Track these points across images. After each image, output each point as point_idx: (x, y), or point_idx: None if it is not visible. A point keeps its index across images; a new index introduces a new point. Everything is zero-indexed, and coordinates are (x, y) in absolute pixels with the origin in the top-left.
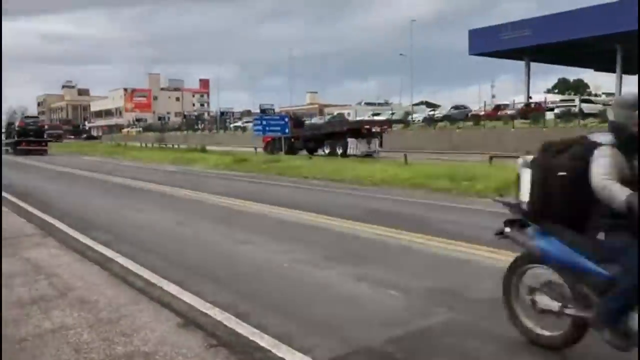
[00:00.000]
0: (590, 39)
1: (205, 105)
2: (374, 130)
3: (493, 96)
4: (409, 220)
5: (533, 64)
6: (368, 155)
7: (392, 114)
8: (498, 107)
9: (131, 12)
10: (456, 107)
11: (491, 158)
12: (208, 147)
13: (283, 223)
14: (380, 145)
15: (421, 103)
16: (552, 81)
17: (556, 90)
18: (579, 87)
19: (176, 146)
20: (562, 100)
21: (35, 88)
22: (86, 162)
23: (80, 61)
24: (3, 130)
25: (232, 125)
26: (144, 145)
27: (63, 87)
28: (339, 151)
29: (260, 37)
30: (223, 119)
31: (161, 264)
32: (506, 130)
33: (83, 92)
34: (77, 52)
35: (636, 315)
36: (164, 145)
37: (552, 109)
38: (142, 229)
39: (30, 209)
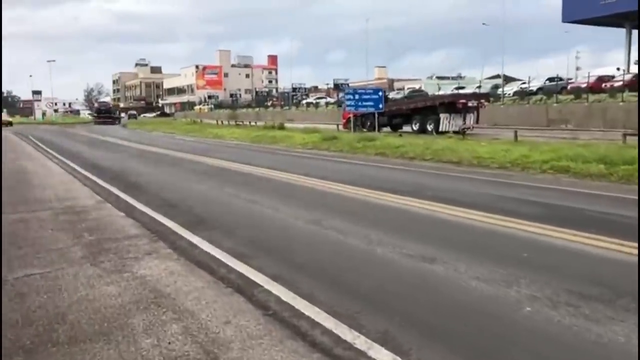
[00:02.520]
0: None
1: (274, 81)
2: (470, 104)
3: (577, 68)
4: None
5: (612, 33)
6: (461, 132)
7: (479, 87)
8: (602, 79)
9: None
10: (551, 79)
11: (625, 136)
12: (284, 124)
13: (461, 228)
14: (477, 121)
15: (497, 76)
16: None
17: None
18: None
19: (250, 123)
20: None
21: (110, 66)
22: (168, 140)
23: (152, 40)
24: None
25: (304, 102)
26: (220, 122)
27: (136, 65)
28: (430, 127)
29: (322, 12)
30: (294, 96)
31: (345, 300)
32: (613, 104)
33: (155, 70)
34: (148, 31)
35: None
36: (240, 123)
37: None
38: (273, 231)
39: (127, 198)
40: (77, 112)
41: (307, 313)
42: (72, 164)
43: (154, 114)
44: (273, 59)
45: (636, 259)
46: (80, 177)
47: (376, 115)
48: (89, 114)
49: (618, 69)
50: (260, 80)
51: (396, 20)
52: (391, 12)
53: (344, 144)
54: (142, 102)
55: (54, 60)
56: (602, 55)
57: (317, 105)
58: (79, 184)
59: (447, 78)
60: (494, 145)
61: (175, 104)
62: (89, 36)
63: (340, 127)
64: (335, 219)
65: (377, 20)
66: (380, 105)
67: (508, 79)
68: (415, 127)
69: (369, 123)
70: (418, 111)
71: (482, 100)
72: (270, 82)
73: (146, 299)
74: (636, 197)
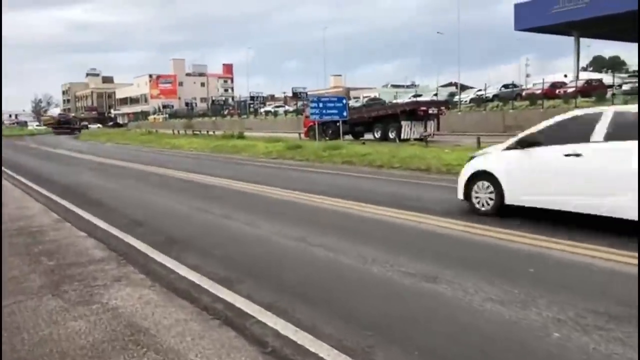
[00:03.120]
0: None
1: (230, 90)
2: (431, 111)
3: (527, 75)
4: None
5: (556, 42)
6: (423, 139)
7: (436, 94)
8: (555, 85)
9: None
10: (506, 86)
11: None
12: (244, 134)
13: (456, 242)
14: (438, 128)
15: (450, 84)
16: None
17: (591, 69)
18: (615, 65)
19: (208, 132)
20: (630, 76)
21: (60, 77)
22: (124, 151)
23: (103, 49)
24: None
25: (262, 110)
26: (176, 132)
27: (87, 75)
28: (392, 135)
29: (277, 21)
30: (250, 105)
31: (352, 331)
32: (568, 110)
33: (107, 80)
34: (100, 40)
35: None
36: (198, 132)
37: (620, 86)
38: (257, 250)
39: (88, 216)
40: (25, 124)
41: (313, 349)
42: (23, 179)
43: (104, 125)
44: (228, 68)
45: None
46: (33, 193)
47: (340, 123)
48: (37, 125)
49: (565, 75)
50: (215, 88)
51: (351, 30)
52: (345, 22)
53: (310, 153)
54: (94, 112)
55: None
56: (550, 62)
57: (275, 113)
58: (32, 201)
59: (402, 86)
60: (459, 152)
61: (128, 114)
62: (38, 45)
63: (302, 135)
64: (321, 235)
65: (332, 30)
66: (345, 113)
67: (462, 87)
68: (377, 135)
69: (330, 131)
70: (380, 119)
71: (442, 108)
72: (226, 90)
73: (122, 337)
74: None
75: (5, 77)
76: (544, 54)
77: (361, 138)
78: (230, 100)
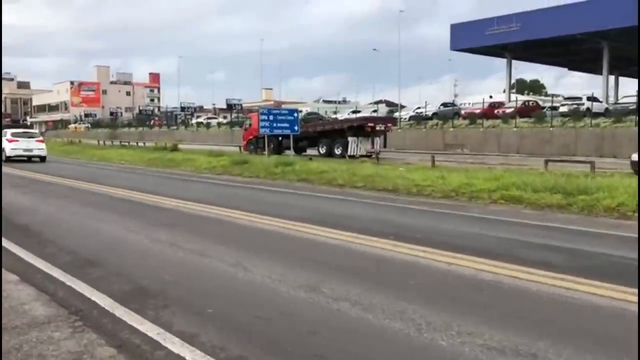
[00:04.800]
0: (578, 35)
1: (156, 100)
2: (378, 128)
3: (455, 95)
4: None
5: (477, 64)
6: (374, 156)
7: (375, 111)
8: (493, 105)
9: (76, 3)
10: (445, 105)
11: (547, 162)
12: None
13: (468, 282)
14: (384, 145)
15: (380, 102)
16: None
17: (513, 90)
18: (535, 88)
19: (137, 144)
20: (568, 98)
21: None
22: (45, 163)
23: (18, 53)
24: None
25: (194, 122)
26: (101, 143)
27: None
28: (338, 151)
29: (201, 32)
30: (178, 115)
31: None
32: (507, 130)
33: (23, 85)
34: (14, 44)
35: None
36: (126, 143)
37: (555, 108)
38: (265, 307)
39: (17, 250)
40: None
41: None
42: None
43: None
44: (155, 77)
45: None
46: None
47: (282, 138)
48: None
49: (491, 96)
50: (142, 98)
51: (279, 44)
52: (271, 35)
53: (259, 169)
54: (8, 119)
55: None
56: (470, 83)
57: (208, 125)
58: None
59: (334, 102)
60: (424, 171)
61: (46, 122)
62: None
63: (240, 148)
64: (335, 281)
65: (258, 43)
66: (296, 127)
67: (390, 104)
68: (322, 150)
69: (271, 145)
70: (325, 134)
71: (389, 124)
72: (152, 100)
73: None
74: (633, 235)
75: None
76: (465, 75)
77: (304, 153)
78: (156, 110)
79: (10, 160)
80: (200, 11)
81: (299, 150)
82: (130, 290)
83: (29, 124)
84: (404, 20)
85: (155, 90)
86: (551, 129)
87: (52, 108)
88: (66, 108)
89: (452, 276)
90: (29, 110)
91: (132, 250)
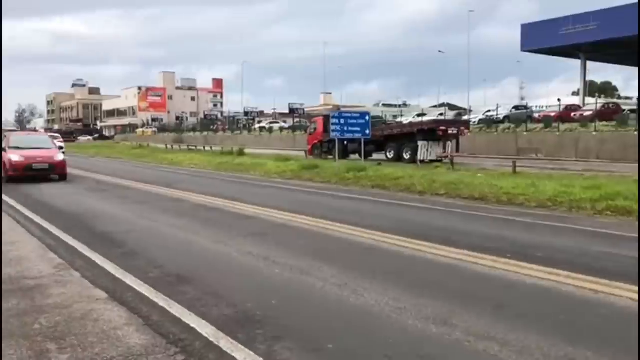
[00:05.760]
0: None
1: (219, 105)
2: (450, 132)
3: (522, 98)
4: None
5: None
6: (439, 160)
7: (441, 114)
8: (569, 108)
9: (142, 12)
10: (517, 107)
11: None
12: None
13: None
14: (457, 149)
15: (442, 105)
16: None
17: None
18: (607, 90)
19: (205, 148)
20: None
21: (46, 88)
22: (118, 167)
23: (91, 61)
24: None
25: (257, 126)
26: (169, 147)
27: (73, 85)
28: (406, 156)
29: (261, 39)
30: (239, 120)
31: None
32: (586, 134)
33: (94, 91)
34: (88, 53)
35: None
36: (193, 148)
37: (634, 111)
38: (405, 350)
39: (102, 261)
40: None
41: None
42: (9, 200)
43: (90, 137)
44: (218, 83)
45: None
46: (23, 220)
47: (362, 142)
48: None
49: (559, 99)
50: (206, 103)
51: (337, 50)
52: (330, 43)
53: (330, 175)
54: (79, 123)
55: None
56: (543, 85)
57: (270, 130)
58: (22, 233)
59: (394, 106)
60: (513, 179)
61: (115, 126)
62: (21, 56)
63: (305, 153)
64: (467, 314)
65: (314, 49)
66: (367, 131)
67: (453, 108)
68: (390, 155)
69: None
70: (393, 138)
71: (463, 128)
72: (215, 105)
73: None
74: None
75: None
76: (527, 78)
77: (370, 158)
78: (219, 115)
79: None
80: (259, 19)
81: (365, 155)
82: (233, 316)
83: (99, 128)
84: (460, 24)
85: (219, 96)
86: (635, 132)
87: (121, 113)
88: (134, 113)
89: (605, 307)
90: (99, 115)
91: (223, 265)
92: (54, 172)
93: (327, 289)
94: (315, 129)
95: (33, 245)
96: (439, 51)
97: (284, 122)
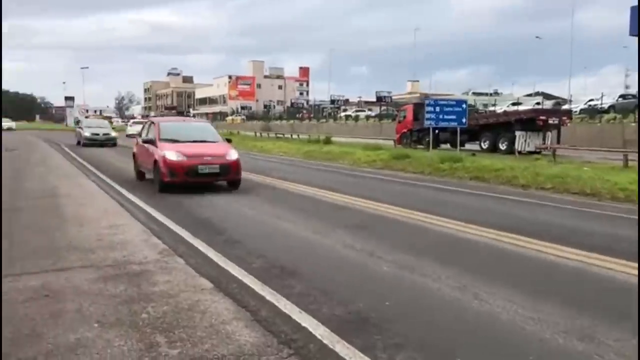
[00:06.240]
0: None
1: (305, 93)
2: (551, 122)
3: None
4: None
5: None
6: (537, 152)
7: (538, 103)
8: None
9: (232, 3)
10: (623, 97)
11: None
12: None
13: None
14: (558, 140)
15: (537, 94)
16: None
17: None
18: None
19: (292, 136)
20: None
21: (140, 76)
22: None
23: (184, 51)
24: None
25: (343, 114)
26: (257, 134)
27: (168, 74)
28: (502, 146)
29: (346, 27)
30: (324, 108)
31: None
32: None
33: (187, 80)
34: (181, 42)
35: None
36: (281, 136)
37: None
38: None
39: (205, 248)
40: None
41: None
42: (114, 184)
43: None
44: (305, 71)
45: None
46: (126, 203)
47: (458, 131)
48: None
49: None
50: (292, 91)
51: (424, 37)
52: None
53: (423, 165)
54: (173, 111)
55: (87, 67)
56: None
57: (356, 118)
58: (127, 216)
59: (485, 94)
60: (621, 173)
61: (207, 114)
62: (121, 46)
63: (394, 142)
64: (612, 329)
65: (400, 38)
66: (464, 120)
67: (548, 97)
68: (485, 145)
69: (427, 139)
70: (489, 128)
71: (565, 118)
72: (301, 94)
73: None
74: None
75: (90, 76)
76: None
77: (462, 148)
78: (305, 103)
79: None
80: (346, 7)
81: (456, 145)
82: (346, 317)
83: (192, 115)
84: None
85: (305, 84)
86: None
87: (212, 101)
88: (224, 101)
89: None
90: (192, 102)
91: (327, 259)
92: (226, 177)
93: (444, 291)
94: (404, 117)
95: (136, 229)
96: (537, 37)
97: (370, 110)
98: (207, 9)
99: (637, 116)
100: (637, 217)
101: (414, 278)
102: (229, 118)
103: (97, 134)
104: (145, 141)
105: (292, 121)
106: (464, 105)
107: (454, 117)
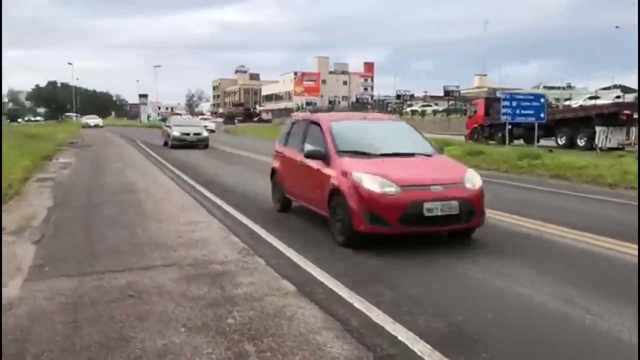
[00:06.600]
0: None
1: (369, 89)
2: (635, 116)
3: None
4: None
5: None
6: (620, 148)
7: (618, 97)
8: None
9: (295, 1)
10: None
11: None
12: None
13: None
14: None
15: (614, 87)
16: None
17: None
18: None
19: None
20: None
21: (210, 74)
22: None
23: (251, 48)
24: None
25: (408, 109)
26: None
27: (236, 71)
28: (581, 142)
29: (409, 22)
30: (388, 103)
31: None
32: None
33: (254, 77)
34: (248, 40)
35: None
36: None
37: None
38: None
39: (284, 248)
40: (180, 116)
41: None
42: (189, 180)
43: (249, 120)
44: (369, 66)
45: None
46: (203, 200)
47: (536, 127)
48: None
49: None
50: (356, 87)
51: (492, 28)
52: (478, 22)
53: (499, 161)
54: (240, 107)
55: (159, 66)
56: None
57: (423, 113)
58: (204, 214)
59: (557, 88)
60: None
61: (273, 110)
62: (191, 44)
63: (466, 138)
64: None
65: (464, 32)
66: (542, 115)
67: (626, 90)
68: (561, 141)
69: (499, 135)
70: (566, 123)
71: None
72: (365, 89)
73: None
74: None
75: (163, 73)
76: None
77: (537, 144)
78: (369, 99)
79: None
80: (409, 1)
81: (530, 141)
82: (445, 331)
83: (258, 111)
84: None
85: (369, 79)
86: None
87: (278, 97)
88: (290, 97)
89: None
90: (259, 99)
91: (414, 261)
92: (468, 223)
93: (548, 304)
94: (475, 112)
95: (214, 227)
96: (616, 27)
97: (436, 104)
98: (274, 6)
99: (638, 122)
100: None
101: (514, 287)
102: (294, 114)
103: (187, 134)
104: (308, 155)
105: None
106: (542, 100)
107: (531, 111)
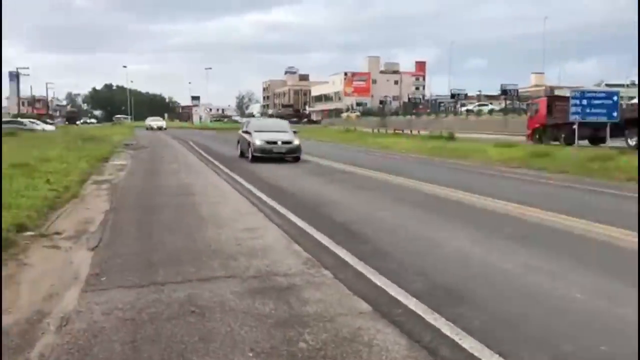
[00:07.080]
0: None
1: (421, 88)
2: None
3: None
4: None
5: None
6: None
7: None
8: None
9: (345, 1)
10: None
11: None
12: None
13: None
14: None
15: None
16: None
17: None
18: None
19: (411, 132)
20: None
21: (260, 75)
22: (332, 150)
23: (300, 49)
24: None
25: (464, 109)
26: (375, 131)
27: (286, 72)
28: None
29: (462, 20)
30: (441, 104)
31: None
32: None
33: (303, 78)
34: (298, 41)
35: None
36: (400, 132)
37: None
38: None
39: (352, 261)
40: (230, 117)
41: None
42: (245, 183)
43: (299, 121)
44: (421, 65)
45: None
46: (261, 204)
47: (609, 127)
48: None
49: None
50: (408, 86)
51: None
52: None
53: (567, 163)
54: (290, 108)
55: (210, 68)
56: None
57: (479, 112)
58: (263, 219)
59: (621, 85)
60: None
61: (322, 111)
62: (241, 46)
63: (527, 139)
64: None
65: (519, 29)
66: (615, 114)
67: None
68: (632, 142)
69: (563, 135)
70: (635, 122)
71: None
72: (417, 88)
73: None
74: None
75: (214, 76)
76: None
77: (602, 145)
78: (421, 98)
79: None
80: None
81: (595, 142)
82: None
83: (307, 112)
84: None
85: (421, 79)
86: None
87: (327, 98)
88: (339, 98)
89: None
90: (308, 100)
91: (496, 280)
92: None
93: None
94: (536, 111)
95: (274, 234)
96: None
97: (491, 103)
98: (322, 7)
99: (638, 121)
100: None
101: (616, 312)
102: (344, 114)
103: (274, 142)
104: None
105: (408, 117)
106: (615, 97)
107: (603, 110)
